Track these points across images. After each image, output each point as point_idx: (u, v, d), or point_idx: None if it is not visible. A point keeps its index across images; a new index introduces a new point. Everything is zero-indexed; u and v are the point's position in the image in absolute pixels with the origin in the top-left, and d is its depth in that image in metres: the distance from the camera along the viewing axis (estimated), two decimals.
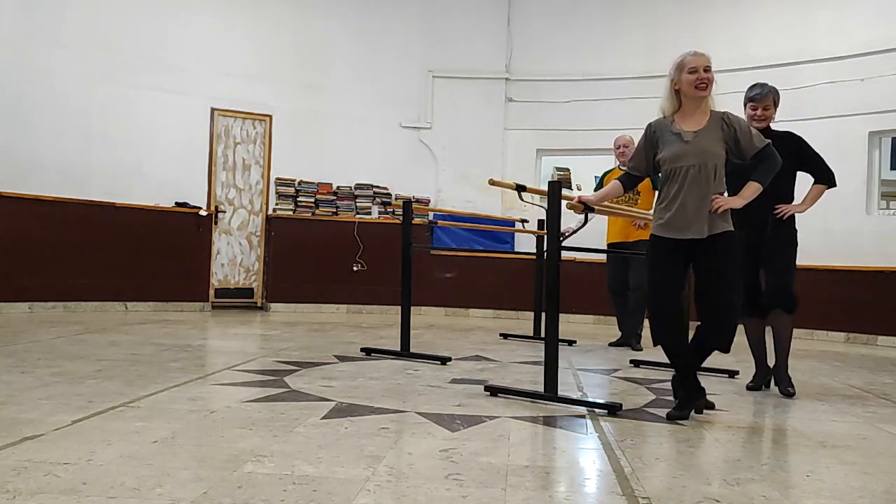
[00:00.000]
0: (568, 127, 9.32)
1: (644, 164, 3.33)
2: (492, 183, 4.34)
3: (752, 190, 3.26)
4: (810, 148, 4.07)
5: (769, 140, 3.34)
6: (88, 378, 3.67)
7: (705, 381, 3.39)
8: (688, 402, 3.24)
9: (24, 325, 6.14)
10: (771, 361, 4.13)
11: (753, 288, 3.98)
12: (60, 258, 7.44)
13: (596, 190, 5.16)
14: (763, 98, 3.98)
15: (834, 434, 3.06)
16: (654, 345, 3.25)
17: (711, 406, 3.35)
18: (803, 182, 4.08)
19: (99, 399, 3.16)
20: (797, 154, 4.01)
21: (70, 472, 2.12)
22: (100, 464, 2.21)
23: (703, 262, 3.18)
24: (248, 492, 2.00)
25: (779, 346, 4.03)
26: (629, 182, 3.43)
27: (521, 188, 4.00)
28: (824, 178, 4.06)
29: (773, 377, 4.13)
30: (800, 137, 4.08)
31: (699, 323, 3.23)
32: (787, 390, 3.96)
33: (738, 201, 3.22)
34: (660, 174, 3.33)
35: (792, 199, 4.04)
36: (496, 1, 9.73)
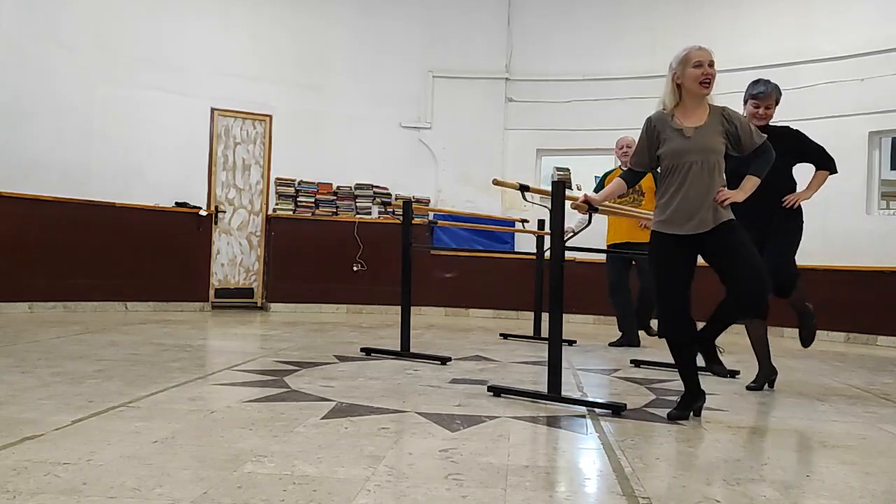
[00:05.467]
0: (568, 127, 9.32)
1: (646, 160, 3.31)
2: (496, 183, 4.34)
3: (751, 183, 3.27)
4: (808, 139, 4.12)
5: (766, 135, 3.36)
6: (88, 378, 3.67)
7: (705, 380, 3.38)
8: (689, 402, 3.24)
9: (24, 325, 6.14)
10: (772, 363, 4.15)
11: None
12: (60, 258, 7.43)
13: (596, 191, 5.16)
14: (766, 96, 4.00)
15: (834, 434, 3.06)
16: (660, 337, 3.24)
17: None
18: (801, 179, 4.11)
19: (99, 399, 3.16)
20: (798, 147, 4.05)
21: (70, 472, 2.12)
22: (100, 464, 2.20)
23: (714, 251, 3.18)
24: (248, 492, 2.00)
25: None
26: (632, 178, 3.41)
27: (524, 188, 4.01)
28: (825, 164, 4.09)
29: (774, 379, 4.15)
30: (797, 131, 4.13)
31: (725, 298, 3.18)
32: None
33: (741, 195, 3.22)
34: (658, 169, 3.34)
35: (794, 192, 4.06)
36: (496, 1, 9.73)
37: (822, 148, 4.10)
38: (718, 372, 3.28)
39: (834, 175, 4.14)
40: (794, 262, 4.04)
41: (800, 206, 4.03)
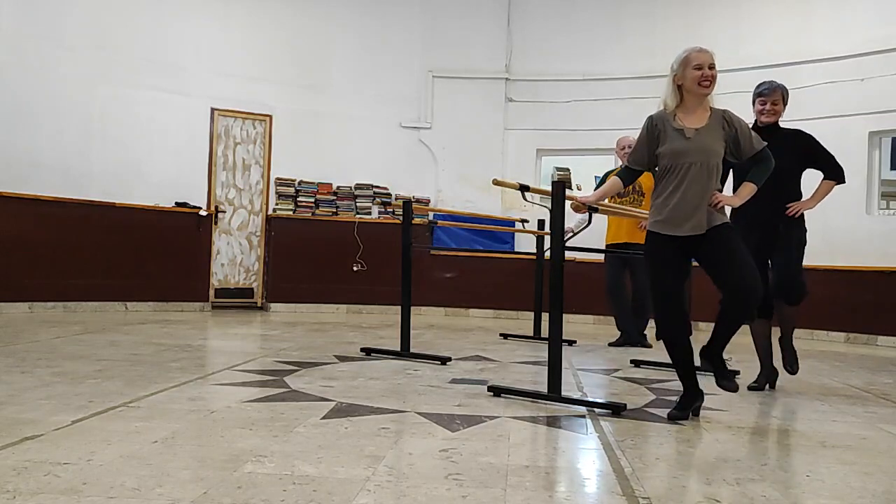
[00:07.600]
0: (568, 127, 9.32)
1: (645, 158, 3.30)
2: (496, 183, 4.34)
3: (748, 190, 3.28)
4: (820, 145, 4.11)
5: (766, 142, 3.34)
6: (88, 378, 3.67)
7: (705, 380, 3.38)
8: (688, 402, 3.24)
9: (24, 325, 6.14)
10: (775, 363, 4.16)
11: None
12: (60, 258, 7.44)
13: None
14: (771, 92, 4.02)
15: (834, 434, 3.06)
16: (658, 339, 3.23)
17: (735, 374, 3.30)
18: (808, 182, 4.10)
19: (99, 399, 3.16)
20: (808, 152, 4.05)
21: (70, 472, 2.12)
22: (100, 464, 2.20)
23: (708, 253, 3.18)
24: (248, 492, 2.00)
25: (785, 325, 4.15)
26: (628, 177, 3.39)
27: (524, 188, 4.00)
28: (835, 174, 4.09)
29: (774, 378, 4.17)
30: (809, 135, 4.12)
31: (722, 300, 3.19)
32: (791, 367, 4.14)
33: (736, 200, 3.24)
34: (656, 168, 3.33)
35: (800, 197, 4.06)
36: (496, 1, 9.73)
37: (832, 156, 4.09)
38: (728, 388, 3.23)
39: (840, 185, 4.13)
40: (802, 271, 4.05)
41: (802, 214, 4.04)
